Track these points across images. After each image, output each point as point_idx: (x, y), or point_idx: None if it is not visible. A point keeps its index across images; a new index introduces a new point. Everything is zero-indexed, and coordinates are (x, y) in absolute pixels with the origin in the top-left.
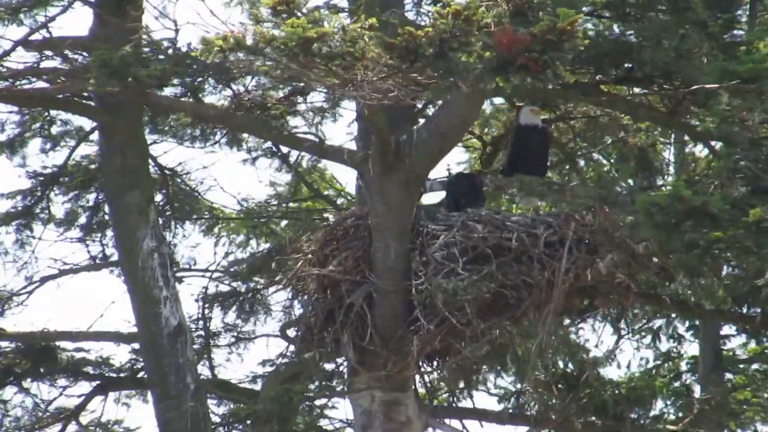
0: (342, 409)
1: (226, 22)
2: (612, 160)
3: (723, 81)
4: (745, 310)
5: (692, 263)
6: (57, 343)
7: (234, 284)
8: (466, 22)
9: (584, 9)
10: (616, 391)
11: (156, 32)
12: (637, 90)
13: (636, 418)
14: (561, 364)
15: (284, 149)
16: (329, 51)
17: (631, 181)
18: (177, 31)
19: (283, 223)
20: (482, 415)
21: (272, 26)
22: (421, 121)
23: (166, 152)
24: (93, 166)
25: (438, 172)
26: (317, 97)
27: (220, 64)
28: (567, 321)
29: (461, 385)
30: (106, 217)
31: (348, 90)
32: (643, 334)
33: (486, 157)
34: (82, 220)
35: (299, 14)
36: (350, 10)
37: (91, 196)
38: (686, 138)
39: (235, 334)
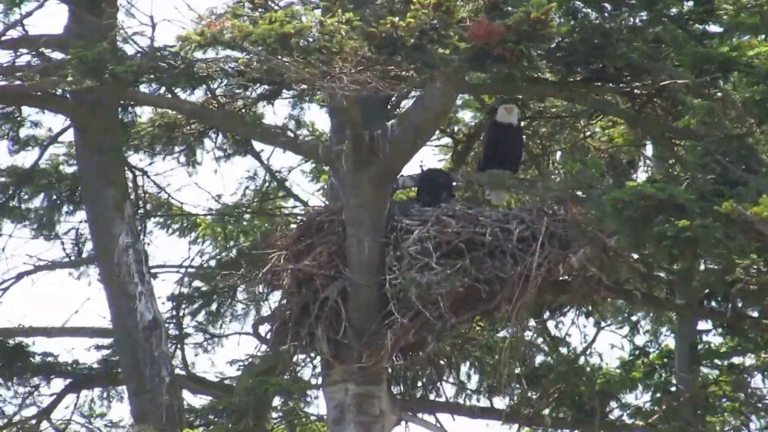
0: (316, 402)
1: (203, 17)
2: (582, 158)
3: (696, 68)
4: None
5: (662, 256)
6: (29, 341)
7: (204, 283)
8: (446, 13)
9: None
10: (589, 384)
11: (132, 28)
12: (607, 88)
13: (610, 412)
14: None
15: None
16: (307, 45)
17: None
18: (154, 27)
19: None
20: (454, 408)
21: (249, 21)
22: (395, 116)
23: (142, 159)
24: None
25: (411, 168)
26: (289, 97)
27: (191, 65)
28: (545, 315)
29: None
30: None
31: (326, 82)
32: (621, 326)
33: (457, 155)
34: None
35: (276, 8)
36: (324, 7)
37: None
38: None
39: (208, 333)
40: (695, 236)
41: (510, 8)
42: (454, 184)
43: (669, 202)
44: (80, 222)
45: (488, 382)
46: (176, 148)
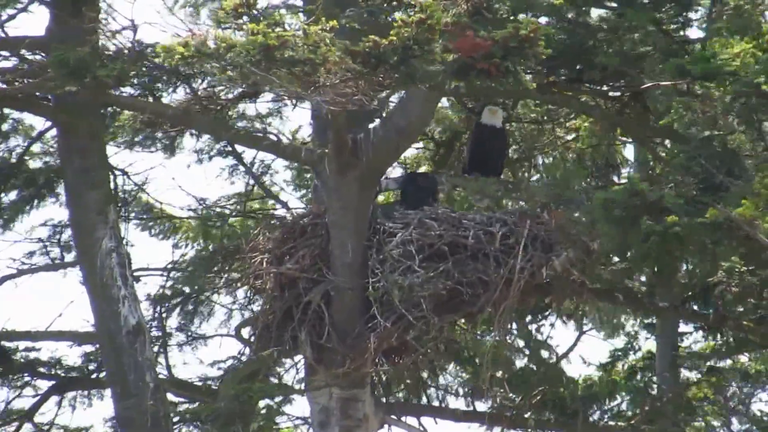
0: (299, 406)
1: (185, 21)
2: (567, 160)
3: (678, 78)
4: (698, 308)
5: (649, 255)
6: (13, 344)
7: (187, 286)
8: (429, 30)
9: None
10: (572, 387)
11: (114, 31)
12: (588, 90)
13: (592, 414)
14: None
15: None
16: (291, 57)
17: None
18: (135, 30)
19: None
20: (438, 412)
21: (233, 29)
22: (379, 119)
23: (117, 152)
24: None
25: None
26: (267, 98)
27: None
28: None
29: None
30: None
31: (311, 94)
32: (602, 330)
33: (439, 158)
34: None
35: (259, 15)
36: (307, 10)
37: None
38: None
39: (189, 334)
40: (682, 235)
41: (493, 15)
42: (440, 188)
43: (658, 204)
44: (64, 226)
45: (471, 383)
46: (157, 144)
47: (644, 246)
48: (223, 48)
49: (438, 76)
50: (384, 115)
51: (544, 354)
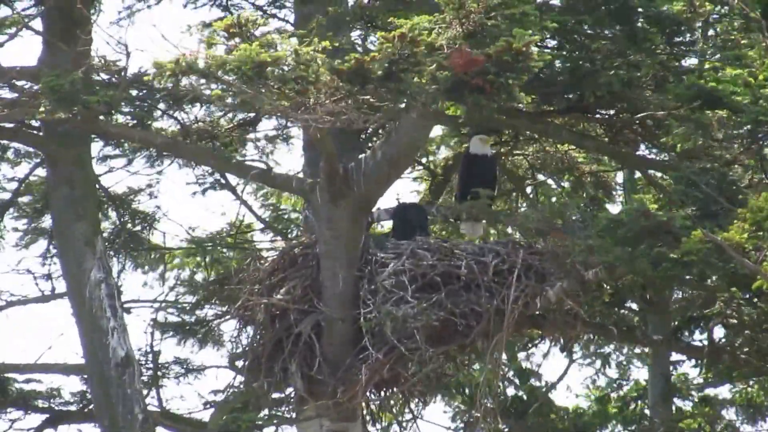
0: None
1: (178, 46)
2: (563, 187)
3: (691, 101)
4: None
5: (657, 280)
6: (7, 376)
7: (182, 316)
8: (412, 44)
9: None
10: (566, 418)
11: (107, 57)
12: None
13: None
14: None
15: (232, 181)
16: (283, 74)
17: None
18: (128, 55)
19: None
20: None
21: (225, 50)
22: (370, 148)
23: (118, 182)
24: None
25: (386, 199)
26: (268, 126)
27: (170, 92)
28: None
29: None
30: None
31: (301, 113)
32: (593, 359)
33: (435, 188)
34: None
35: (253, 36)
36: (300, 35)
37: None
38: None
39: (184, 366)
40: (693, 261)
41: (486, 37)
42: (429, 218)
43: (664, 226)
44: (52, 256)
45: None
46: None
47: (653, 269)
48: (214, 66)
49: (427, 91)
50: (376, 141)
51: (534, 383)
